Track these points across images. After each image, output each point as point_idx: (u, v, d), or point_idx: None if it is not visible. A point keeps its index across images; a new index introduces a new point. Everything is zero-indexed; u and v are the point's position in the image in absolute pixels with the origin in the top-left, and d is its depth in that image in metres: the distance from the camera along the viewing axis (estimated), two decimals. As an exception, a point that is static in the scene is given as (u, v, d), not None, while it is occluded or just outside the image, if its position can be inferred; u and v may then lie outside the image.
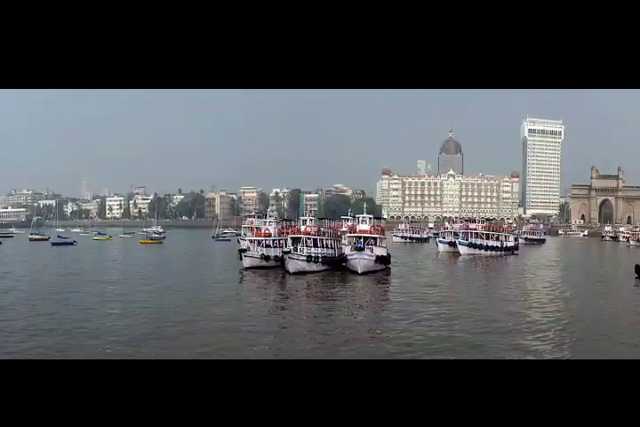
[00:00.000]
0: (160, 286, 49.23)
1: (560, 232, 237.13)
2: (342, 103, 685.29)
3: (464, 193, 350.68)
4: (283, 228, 72.16)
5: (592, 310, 39.06)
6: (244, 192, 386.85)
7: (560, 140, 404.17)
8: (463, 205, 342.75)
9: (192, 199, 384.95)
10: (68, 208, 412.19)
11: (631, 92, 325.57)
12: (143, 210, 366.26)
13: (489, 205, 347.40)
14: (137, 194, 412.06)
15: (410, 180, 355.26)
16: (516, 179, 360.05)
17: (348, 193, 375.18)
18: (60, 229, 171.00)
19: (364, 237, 64.12)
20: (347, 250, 65.50)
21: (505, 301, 43.10)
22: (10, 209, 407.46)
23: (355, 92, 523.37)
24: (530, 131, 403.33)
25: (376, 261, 61.48)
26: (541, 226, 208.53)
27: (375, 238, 64.44)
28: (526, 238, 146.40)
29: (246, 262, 64.16)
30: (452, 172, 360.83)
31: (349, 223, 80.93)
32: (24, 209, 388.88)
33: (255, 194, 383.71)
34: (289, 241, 62.56)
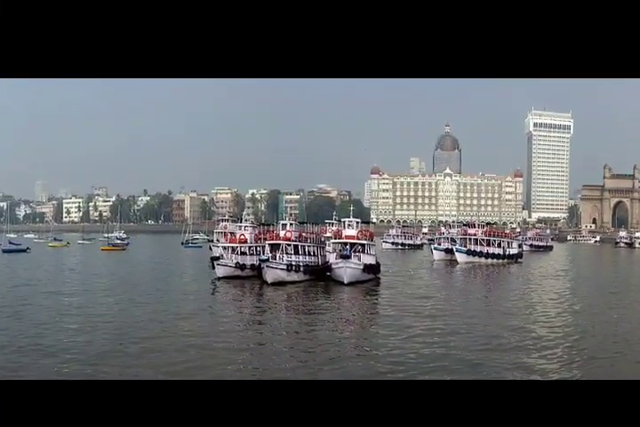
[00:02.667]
0: (123, 298, 48.93)
1: (569, 238, 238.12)
2: (326, 94, 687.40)
3: (462, 194, 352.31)
4: (260, 233, 71.83)
5: (604, 325, 39.19)
6: (216, 193, 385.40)
7: (569, 136, 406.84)
8: (461, 208, 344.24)
9: (159, 201, 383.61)
10: (21, 211, 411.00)
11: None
12: (104, 213, 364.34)
13: (489, 208, 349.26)
14: (97, 195, 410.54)
15: (402, 179, 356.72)
16: (520, 178, 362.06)
17: (333, 194, 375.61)
18: (12, 235, 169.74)
19: (351, 243, 63.89)
20: (331, 258, 65.13)
21: (507, 314, 43.19)
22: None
23: (340, 81, 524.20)
24: (535, 125, 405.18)
25: (364, 270, 61.39)
26: (548, 231, 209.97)
27: (363, 245, 64.18)
28: (531, 245, 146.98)
29: (219, 272, 63.96)
30: (448, 170, 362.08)
31: (334, 228, 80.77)
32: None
33: (229, 195, 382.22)
34: (267, 248, 62.36)
